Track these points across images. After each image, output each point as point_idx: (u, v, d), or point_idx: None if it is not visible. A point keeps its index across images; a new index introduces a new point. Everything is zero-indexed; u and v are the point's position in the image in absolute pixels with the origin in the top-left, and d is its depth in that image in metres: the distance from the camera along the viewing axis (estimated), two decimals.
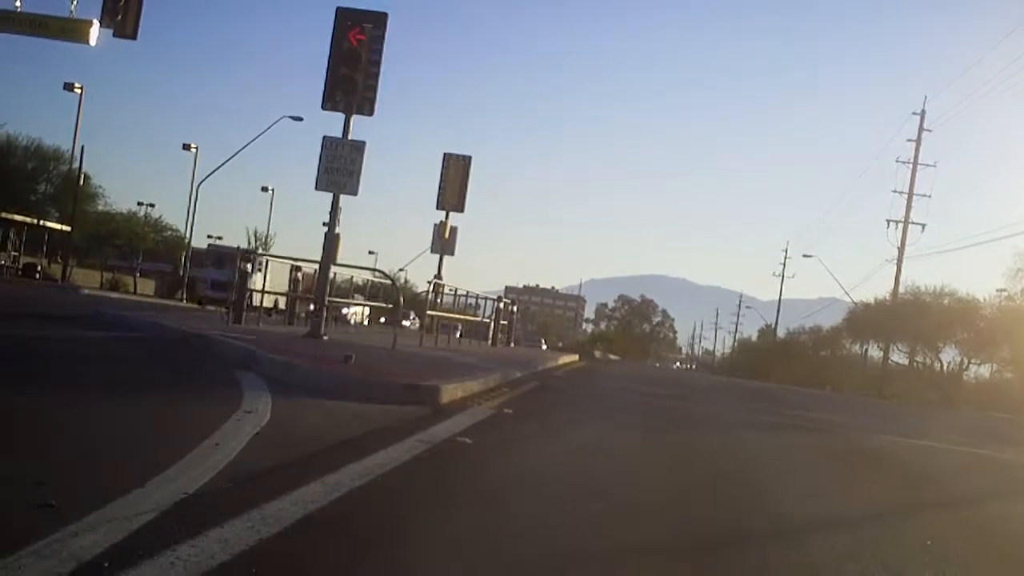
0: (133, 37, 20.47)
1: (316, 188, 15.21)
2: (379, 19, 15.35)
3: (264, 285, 19.57)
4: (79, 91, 42.38)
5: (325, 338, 14.97)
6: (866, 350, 54.16)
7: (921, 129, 43.71)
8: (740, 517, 5.28)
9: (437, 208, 26.59)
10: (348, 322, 30.52)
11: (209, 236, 57.92)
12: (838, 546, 4.79)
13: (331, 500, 4.12)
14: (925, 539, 5.25)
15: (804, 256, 61.60)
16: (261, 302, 18.34)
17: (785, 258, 71.67)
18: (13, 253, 43.01)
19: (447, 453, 6.03)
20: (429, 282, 23.08)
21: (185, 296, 40.48)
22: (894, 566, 4.46)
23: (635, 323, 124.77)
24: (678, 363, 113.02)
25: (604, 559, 3.96)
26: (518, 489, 5.34)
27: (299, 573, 3.23)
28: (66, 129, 59.62)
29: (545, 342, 78.71)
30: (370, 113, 15.26)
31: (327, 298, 16.21)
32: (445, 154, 27.11)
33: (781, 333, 71.24)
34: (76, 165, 42.27)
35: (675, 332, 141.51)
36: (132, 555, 2.95)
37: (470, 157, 27.37)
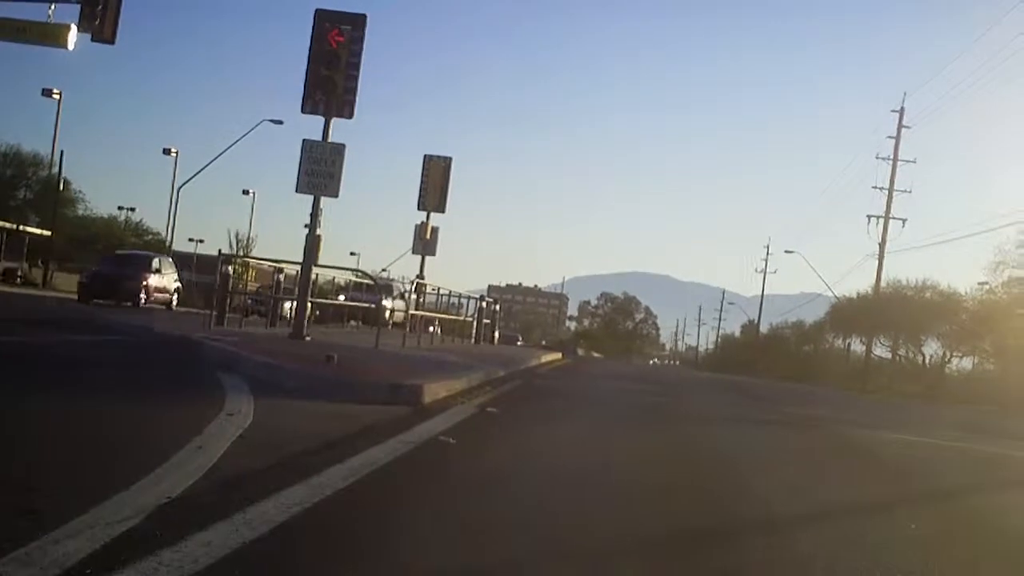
0: (111, 41, 20.25)
1: (297, 191, 15.20)
2: (358, 20, 15.31)
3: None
4: (57, 96, 42.11)
5: (308, 339, 14.94)
6: (849, 344, 54.46)
7: (900, 126, 43.93)
8: (725, 511, 5.31)
9: (418, 209, 26.55)
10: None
11: (190, 239, 57.39)
12: (822, 538, 4.82)
13: (315, 502, 4.11)
14: (907, 532, 5.30)
15: (786, 252, 61.50)
16: (244, 303, 18.26)
17: (767, 254, 71.70)
18: None
19: (431, 452, 6.04)
20: (411, 282, 23.12)
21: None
22: (878, 557, 4.50)
23: (618, 320, 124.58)
24: (655, 359, 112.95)
25: (592, 554, 3.98)
26: (503, 487, 5.35)
27: None
28: (45, 135, 59.18)
29: (522, 338, 77.37)
30: (350, 116, 15.22)
31: (309, 298, 16.21)
32: (426, 156, 27.05)
33: (764, 328, 71.44)
34: (55, 170, 41.98)
35: (658, 329, 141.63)
36: (115, 561, 2.95)
37: (450, 158, 27.28)
